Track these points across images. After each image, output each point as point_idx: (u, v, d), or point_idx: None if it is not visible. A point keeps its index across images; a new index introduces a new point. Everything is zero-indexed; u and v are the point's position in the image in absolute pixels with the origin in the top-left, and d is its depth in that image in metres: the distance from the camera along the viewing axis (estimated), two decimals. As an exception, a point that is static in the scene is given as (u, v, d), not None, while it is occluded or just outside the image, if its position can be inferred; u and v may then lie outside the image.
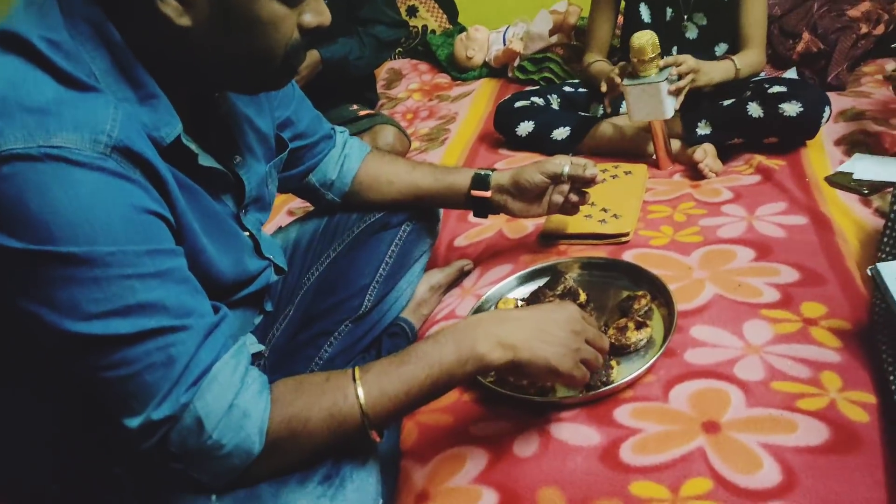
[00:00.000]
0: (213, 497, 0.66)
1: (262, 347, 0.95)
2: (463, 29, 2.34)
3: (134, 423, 0.61)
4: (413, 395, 0.68)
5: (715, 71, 1.36)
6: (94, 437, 0.71)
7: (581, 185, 1.03)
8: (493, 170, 1.06)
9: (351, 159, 1.07)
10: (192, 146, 0.71)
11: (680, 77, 1.30)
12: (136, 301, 0.60)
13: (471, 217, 1.30)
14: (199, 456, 0.63)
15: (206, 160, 0.74)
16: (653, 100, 1.30)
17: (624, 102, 1.54)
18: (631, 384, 0.83)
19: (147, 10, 0.61)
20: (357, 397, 0.66)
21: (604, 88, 1.38)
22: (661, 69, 1.29)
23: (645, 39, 1.27)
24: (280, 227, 1.14)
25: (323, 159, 1.05)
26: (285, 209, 1.54)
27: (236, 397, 0.63)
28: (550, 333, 0.71)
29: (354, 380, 0.67)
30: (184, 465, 0.63)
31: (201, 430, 0.61)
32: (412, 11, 2.45)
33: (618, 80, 1.34)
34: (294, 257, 1.07)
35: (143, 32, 0.64)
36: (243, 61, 0.68)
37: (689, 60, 1.31)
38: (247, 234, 0.85)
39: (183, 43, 0.64)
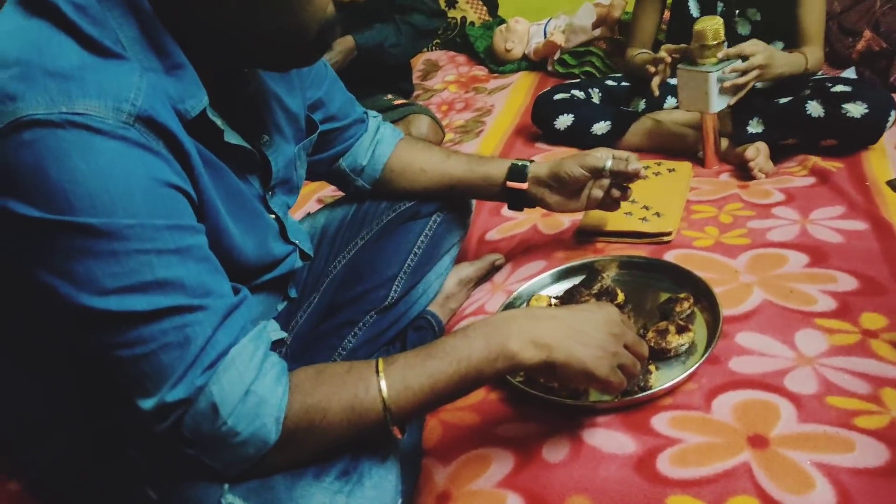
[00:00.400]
0: (226, 486, 0.63)
1: (284, 335, 0.91)
2: (502, 21, 2.29)
3: (147, 404, 0.59)
4: (439, 391, 0.65)
5: (786, 66, 1.26)
6: (110, 418, 0.69)
7: (623, 180, 0.98)
8: (531, 161, 1.02)
9: (383, 145, 1.04)
10: (218, 121, 0.69)
11: (745, 72, 1.21)
12: (154, 278, 0.57)
13: (504, 210, 1.27)
14: (213, 442, 0.60)
15: (232, 137, 0.71)
16: (699, 90, 1.23)
17: (668, 96, 1.47)
18: (670, 391, 0.77)
19: None
20: (380, 390, 0.63)
21: (652, 70, 1.31)
22: (721, 61, 1.22)
23: (707, 24, 1.20)
24: (308, 214, 1.12)
25: (354, 144, 1.02)
26: (315, 197, 1.52)
27: (253, 383, 0.60)
28: (588, 335, 0.67)
29: (378, 372, 0.64)
30: (197, 451, 0.61)
31: (216, 415, 0.59)
32: (451, 2, 2.41)
33: (668, 58, 1.27)
34: (321, 244, 1.04)
35: (172, 1, 0.61)
36: (275, 34, 0.65)
37: (758, 55, 1.21)
38: (272, 216, 0.83)
39: (213, 13, 0.62)
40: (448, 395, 0.66)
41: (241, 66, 0.74)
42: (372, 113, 1.07)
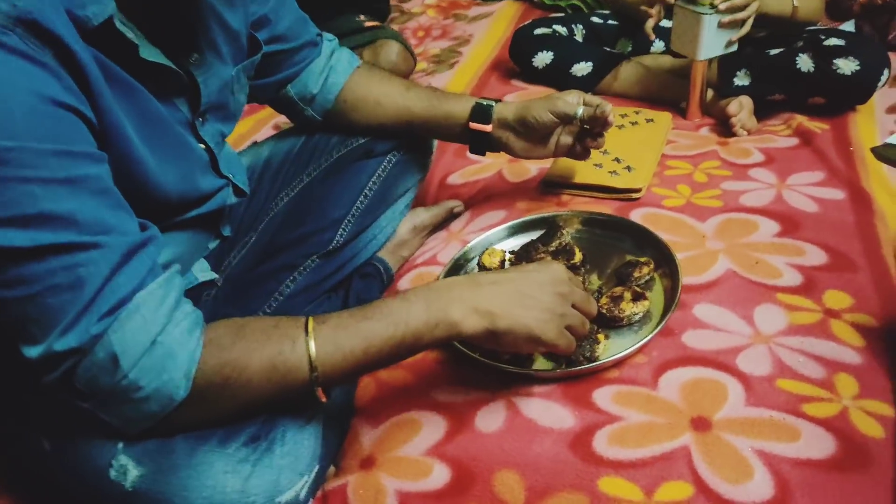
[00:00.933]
0: (121, 445, 0.58)
1: (214, 276, 0.85)
2: (492, -58, 2.11)
3: (33, 352, 0.53)
4: (372, 355, 0.60)
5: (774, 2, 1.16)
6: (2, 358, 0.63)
7: (594, 127, 0.90)
8: (498, 101, 0.93)
9: (336, 72, 0.94)
10: (130, 34, 0.60)
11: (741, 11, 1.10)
12: (38, 210, 0.50)
13: (470, 153, 1.19)
14: (112, 397, 0.55)
15: (149, 53, 0.62)
16: (691, 32, 1.14)
17: (657, 39, 1.37)
18: (617, 363, 0.73)
19: None
20: (307, 348, 0.58)
21: (651, 12, 1.20)
22: (715, 6, 1.11)
23: None
24: (254, 142, 1.03)
25: (304, 69, 0.93)
26: (272, 123, 1.41)
27: (161, 333, 0.55)
28: (533, 297, 0.63)
29: (307, 330, 0.59)
30: (92, 405, 0.55)
31: (116, 367, 0.53)
32: (439, -83, 2.21)
33: None
34: (263, 178, 0.96)
35: None
36: None
37: None
38: (202, 146, 0.75)
39: None
40: (381, 360, 0.61)
41: None
42: (327, 36, 0.96)
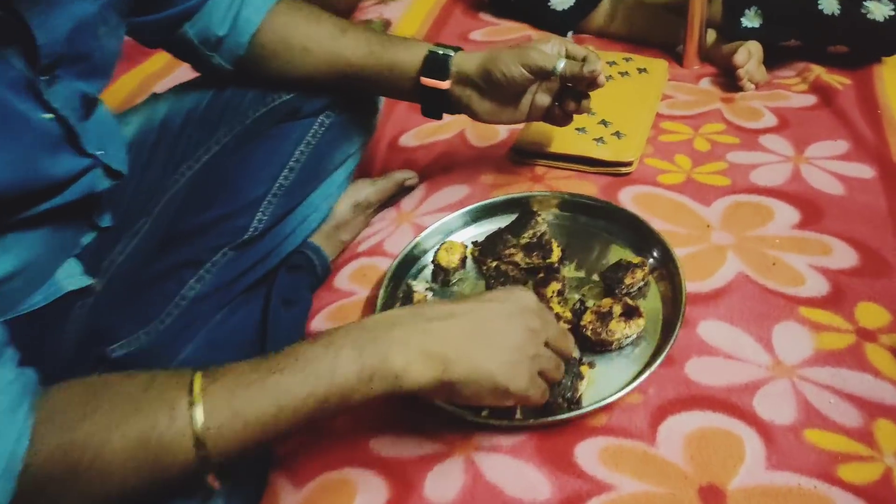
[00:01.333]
0: None
1: (89, 281, 0.66)
2: None
3: None
4: (283, 421, 0.46)
5: None
6: None
7: (579, 85, 0.71)
8: (458, 49, 0.73)
9: (249, 7, 0.73)
10: None
11: None
12: None
13: (423, 114, 0.99)
14: None
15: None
16: None
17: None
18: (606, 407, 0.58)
19: None
20: (191, 418, 0.43)
21: None
22: None
23: None
24: (153, 95, 0.81)
25: (205, 3, 0.71)
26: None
27: None
28: (495, 335, 0.51)
29: (191, 391, 0.44)
30: None
31: None
32: None
33: None
34: (159, 146, 0.74)
35: None
36: None
37: None
38: (50, 116, 0.54)
39: None
40: (297, 426, 0.47)
41: None
42: (238, -41, 0.74)
